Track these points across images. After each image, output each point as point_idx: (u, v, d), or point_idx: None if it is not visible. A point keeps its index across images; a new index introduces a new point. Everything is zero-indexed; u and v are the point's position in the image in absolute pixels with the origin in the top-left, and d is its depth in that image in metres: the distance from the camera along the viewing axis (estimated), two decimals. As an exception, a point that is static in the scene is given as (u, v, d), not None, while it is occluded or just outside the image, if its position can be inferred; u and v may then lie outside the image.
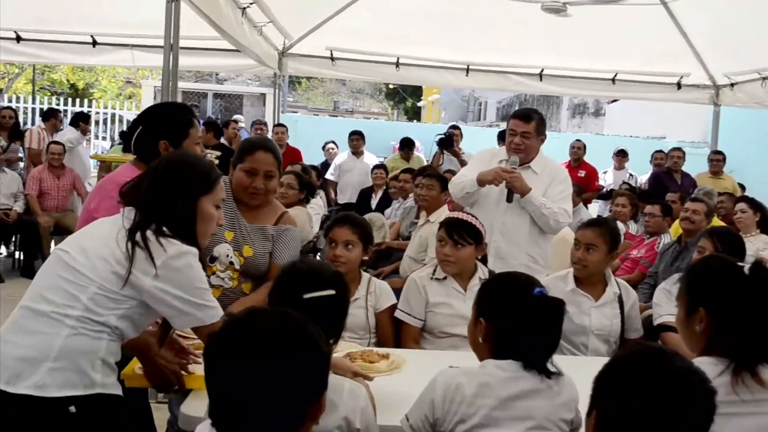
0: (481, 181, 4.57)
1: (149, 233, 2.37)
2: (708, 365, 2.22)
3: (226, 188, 3.44)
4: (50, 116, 11.24)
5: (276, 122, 10.81)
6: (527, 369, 2.31)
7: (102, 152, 13.75)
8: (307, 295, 2.27)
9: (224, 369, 1.59)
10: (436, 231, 3.97)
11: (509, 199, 4.54)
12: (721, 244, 3.99)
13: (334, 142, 12.43)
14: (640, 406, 1.63)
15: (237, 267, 3.49)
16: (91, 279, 2.34)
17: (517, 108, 20.38)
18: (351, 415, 2.24)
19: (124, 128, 7.69)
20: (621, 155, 11.70)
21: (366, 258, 3.92)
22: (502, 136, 10.48)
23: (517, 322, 2.32)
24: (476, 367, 2.41)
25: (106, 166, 10.05)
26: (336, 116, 37.30)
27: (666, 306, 3.85)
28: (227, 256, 3.47)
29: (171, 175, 2.50)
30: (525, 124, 4.60)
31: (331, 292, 2.32)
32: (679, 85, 9.59)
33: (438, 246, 3.82)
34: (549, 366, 2.33)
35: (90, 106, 20.73)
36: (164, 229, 2.40)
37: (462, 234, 3.74)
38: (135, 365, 2.85)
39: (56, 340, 2.28)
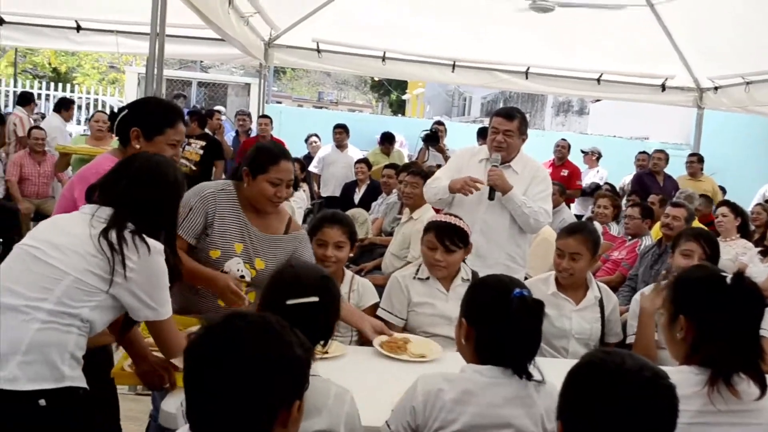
0: (452, 189, 4.59)
1: (126, 233, 2.44)
2: (688, 374, 2.24)
3: (232, 197, 3.46)
4: (30, 100, 11.18)
5: (260, 113, 10.76)
6: (507, 374, 2.32)
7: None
8: (289, 302, 2.26)
9: (199, 371, 1.61)
10: (420, 229, 3.96)
11: (491, 197, 4.54)
12: (708, 246, 4.02)
13: (316, 135, 12.40)
14: (598, 412, 1.65)
15: (248, 280, 3.43)
16: (66, 272, 2.37)
17: (501, 105, 20.38)
18: (335, 419, 2.23)
19: (107, 113, 7.72)
20: (587, 154, 11.81)
21: (351, 255, 3.91)
22: (481, 133, 10.52)
23: (496, 324, 2.33)
24: (457, 372, 2.41)
25: (65, 161, 7.95)
26: (320, 107, 37.19)
27: None
28: (238, 270, 3.42)
29: (158, 182, 2.62)
30: (508, 122, 4.61)
31: (315, 299, 2.29)
32: (663, 87, 9.64)
33: (426, 251, 3.79)
34: (531, 370, 2.34)
35: (72, 90, 20.56)
36: (137, 228, 2.48)
37: (454, 240, 3.74)
38: (124, 363, 2.85)
39: (26, 334, 2.29)
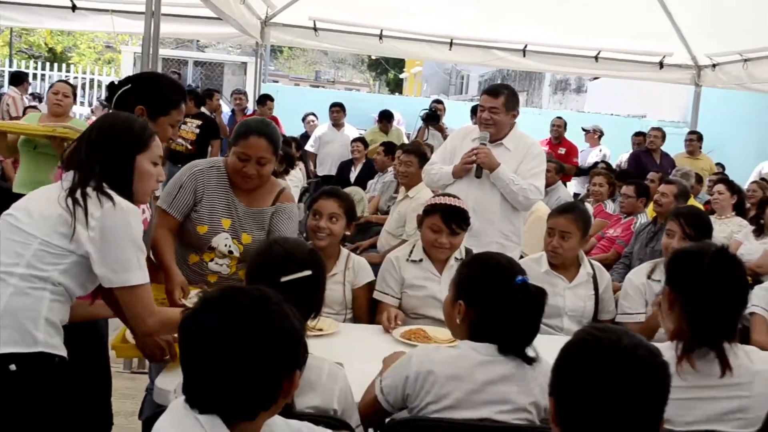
0: (456, 174, 4.62)
1: (89, 190, 2.41)
2: (667, 350, 2.27)
3: (222, 173, 3.47)
4: (23, 80, 11.15)
5: (257, 92, 10.70)
6: (504, 353, 2.33)
7: (80, 118, 13.35)
8: (284, 279, 2.27)
9: (198, 346, 1.61)
10: (416, 207, 3.96)
11: (478, 175, 4.55)
12: (688, 225, 3.93)
13: (314, 114, 12.37)
14: (592, 389, 1.65)
15: (237, 255, 3.47)
16: (35, 236, 2.37)
17: (499, 82, 20.26)
18: (328, 396, 2.26)
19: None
20: (589, 133, 11.74)
21: (348, 233, 3.91)
22: (475, 111, 10.52)
23: (498, 310, 2.34)
24: (452, 348, 2.44)
25: (6, 144, 5.84)
26: (317, 86, 37.09)
27: (630, 303, 3.89)
28: (225, 245, 3.45)
29: (106, 135, 2.53)
30: (493, 99, 4.62)
31: (308, 272, 2.32)
32: (661, 65, 9.61)
33: (429, 233, 3.74)
34: (528, 351, 2.36)
35: (68, 70, 20.48)
36: (105, 185, 2.43)
37: (459, 223, 3.72)
38: (124, 334, 2.85)
39: (1, 300, 2.31)
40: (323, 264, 2.46)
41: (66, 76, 17.62)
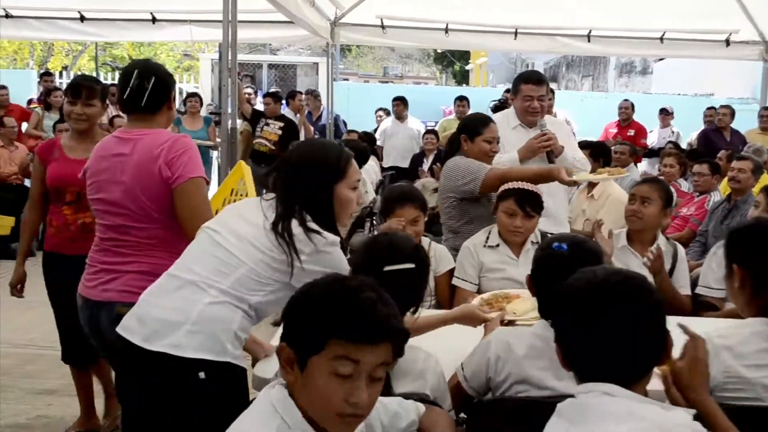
0: (525, 157, 4.58)
1: (294, 225, 2.40)
2: (762, 326, 2.27)
3: None
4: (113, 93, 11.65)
5: (330, 91, 10.95)
6: None
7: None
8: (387, 268, 2.32)
9: None
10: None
11: (551, 160, 4.52)
12: None
13: (383, 110, 12.67)
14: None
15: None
16: (243, 261, 2.39)
17: (564, 69, 19.82)
18: (421, 383, 2.33)
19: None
20: (664, 113, 11.75)
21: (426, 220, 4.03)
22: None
23: (543, 277, 2.49)
24: (529, 328, 2.55)
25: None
26: (386, 82, 37.34)
27: (714, 277, 3.82)
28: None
29: (302, 168, 2.50)
30: (540, 87, 4.64)
31: (411, 265, 2.38)
32: (727, 42, 9.50)
33: (505, 218, 3.81)
34: None
35: (149, 79, 21.05)
36: (308, 218, 2.43)
37: (534, 206, 3.80)
38: None
39: (197, 306, 2.35)
40: (428, 260, 2.50)
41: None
